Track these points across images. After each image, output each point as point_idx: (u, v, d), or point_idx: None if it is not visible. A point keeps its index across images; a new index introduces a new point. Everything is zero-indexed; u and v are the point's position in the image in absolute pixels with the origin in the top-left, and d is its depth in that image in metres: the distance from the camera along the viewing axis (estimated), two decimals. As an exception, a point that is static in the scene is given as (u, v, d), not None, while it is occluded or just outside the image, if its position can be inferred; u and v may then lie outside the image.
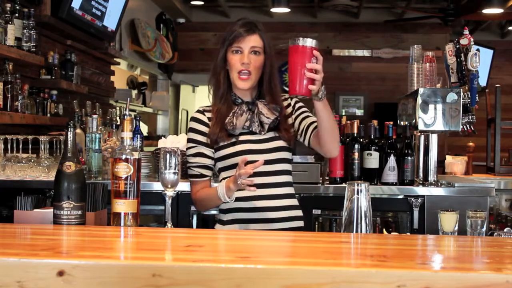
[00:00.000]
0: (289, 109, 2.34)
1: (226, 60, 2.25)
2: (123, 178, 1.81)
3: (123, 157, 1.81)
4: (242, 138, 2.24)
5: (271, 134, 2.26)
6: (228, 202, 2.14)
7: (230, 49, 2.23)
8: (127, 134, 1.84)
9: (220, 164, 2.28)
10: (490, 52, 7.85)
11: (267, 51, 2.25)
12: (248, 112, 2.24)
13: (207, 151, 2.26)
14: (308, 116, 2.32)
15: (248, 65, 2.20)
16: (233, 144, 2.23)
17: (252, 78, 2.22)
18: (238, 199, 2.19)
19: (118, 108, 4.10)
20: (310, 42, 1.97)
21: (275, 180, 2.24)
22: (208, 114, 2.28)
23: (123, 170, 1.81)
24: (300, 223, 2.29)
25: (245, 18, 2.29)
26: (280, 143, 2.26)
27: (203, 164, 2.26)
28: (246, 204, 2.21)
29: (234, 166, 2.17)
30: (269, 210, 2.21)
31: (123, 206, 1.82)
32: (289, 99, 2.36)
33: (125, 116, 1.85)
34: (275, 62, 2.30)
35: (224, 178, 2.23)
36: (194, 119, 2.30)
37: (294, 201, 2.30)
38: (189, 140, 2.29)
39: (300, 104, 2.36)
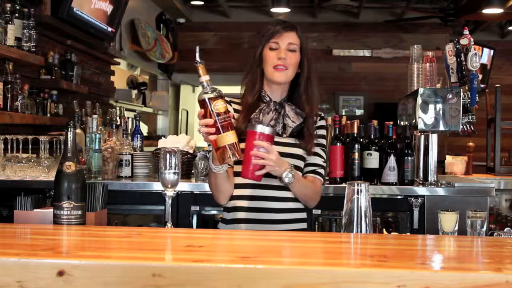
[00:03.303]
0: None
1: (262, 58, 2.25)
2: (223, 112, 1.89)
3: (218, 94, 1.89)
4: None
5: (292, 140, 2.24)
6: (217, 171, 2.09)
7: (267, 46, 2.23)
8: (205, 78, 1.93)
9: None
10: (490, 51, 7.85)
11: (304, 51, 2.25)
12: (274, 112, 2.24)
13: None
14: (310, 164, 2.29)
15: (284, 60, 2.20)
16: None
17: (288, 73, 2.22)
18: (242, 198, 2.19)
19: (118, 108, 4.09)
20: (260, 128, 2.00)
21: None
22: (234, 106, 2.27)
23: (222, 105, 1.90)
24: (304, 225, 2.28)
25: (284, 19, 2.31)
26: (298, 151, 2.24)
27: None
28: (251, 203, 2.20)
29: None
30: (273, 212, 2.20)
31: (232, 137, 1.90)
32: (324, 122, 2.34)
33: (198, 63, 1.92)
34: (313, 68, 2.29)
35: (238, 172, 2.20)
36: None
37: (299, 204, 2.27)
38: None
39: (320, 141, 2.31)
